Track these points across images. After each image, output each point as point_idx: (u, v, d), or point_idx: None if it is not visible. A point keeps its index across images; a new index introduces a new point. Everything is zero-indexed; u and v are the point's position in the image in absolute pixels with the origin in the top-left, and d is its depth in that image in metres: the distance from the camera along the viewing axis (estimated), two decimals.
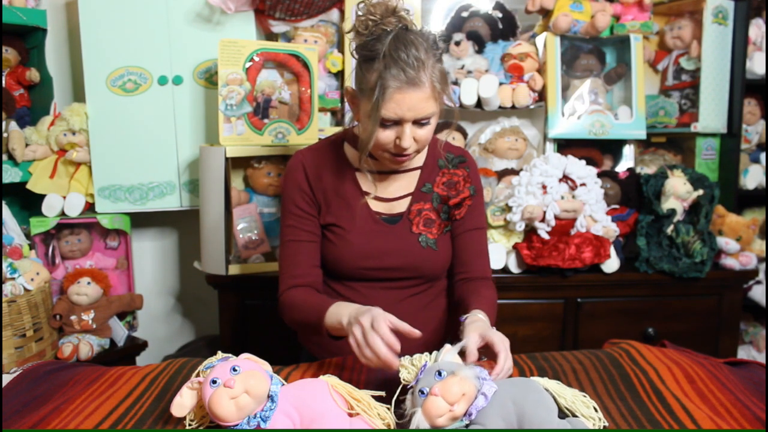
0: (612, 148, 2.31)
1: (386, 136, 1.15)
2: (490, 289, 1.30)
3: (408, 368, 1.00)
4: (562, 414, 0.97)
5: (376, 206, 1.30)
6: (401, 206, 1.31)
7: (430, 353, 1.01)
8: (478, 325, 1.09)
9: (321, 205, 1.29)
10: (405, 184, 1.32)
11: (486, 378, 0.94)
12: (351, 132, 1.32)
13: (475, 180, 1.34)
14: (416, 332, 1.02)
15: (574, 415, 0.97)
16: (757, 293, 2.31)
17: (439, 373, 0.92)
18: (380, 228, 1.29)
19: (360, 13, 1.14)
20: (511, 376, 1.15)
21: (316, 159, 1.30)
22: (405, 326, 1.02)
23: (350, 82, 1.31)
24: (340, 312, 1.10)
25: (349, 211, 1.28)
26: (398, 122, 1.13)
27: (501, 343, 1.03)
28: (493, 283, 1.34)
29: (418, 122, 1.14)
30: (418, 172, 1.32)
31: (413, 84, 1.09)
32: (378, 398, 0.99)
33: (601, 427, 0.97)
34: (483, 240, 1.36)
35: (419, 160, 1.32)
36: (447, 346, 1.00)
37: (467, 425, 0.91)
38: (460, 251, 1.33)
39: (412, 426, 0.90)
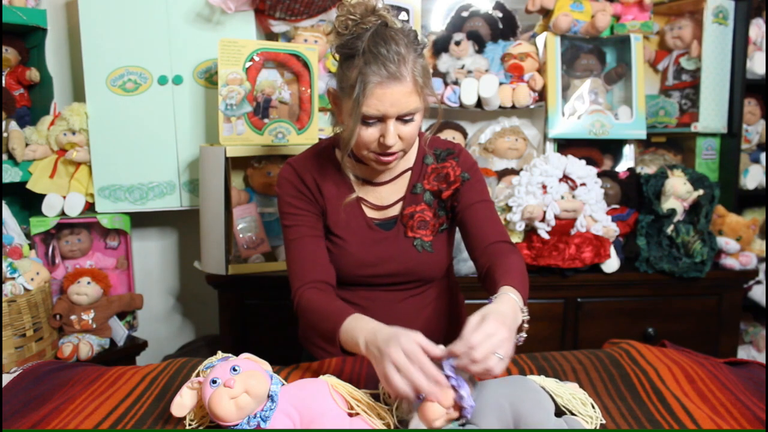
0: (612, 148, 2.31)
1: (370, 134, 1.13)
2: (514, 255, 1.19)
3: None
4: (559, 412, 0.97)
5: (370, 212, 1.29)
6: (394, 210, 1.29)
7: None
8: (483, 312, 0.97)
9: (322, 207, 1.27)
10: (397, 188, 1.30)
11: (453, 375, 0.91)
12: (341, 138, 1.28)
13: (466, 165, 1.29)
14: (438, 350, 0.92)
15: (572, 413, 0.97)
16: (757, 293, 2.31)
17: None
18: (376, 234, 1.27)
19: (339, 13, 1.12)
20: (510, 373, 1.16)
21: (308, 166, 1.28)
22: (429, 345, 0.92)
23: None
24: (356, 329, 1.02)
25: (345, 219, 1.27)
26: (381, 119, 1.11)
27: (474, 329, 0.91)
28: (514, 246, 1.24)
29: (402, 118, 1.12)
30: (409, 174, 1.30)
31: (394, 78, 1.07)
32: (378, 398, 0.99)
33: (599, 425, 0.97)
34: (490, 211, 1.28)
35: (409, 161, 1.30)
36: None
37: (462, 424, 0.91)
38: (469, 226, 1.26)
39: (409, 428, 0.90)
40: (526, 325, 1.04)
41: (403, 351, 0.90)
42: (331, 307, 1.14)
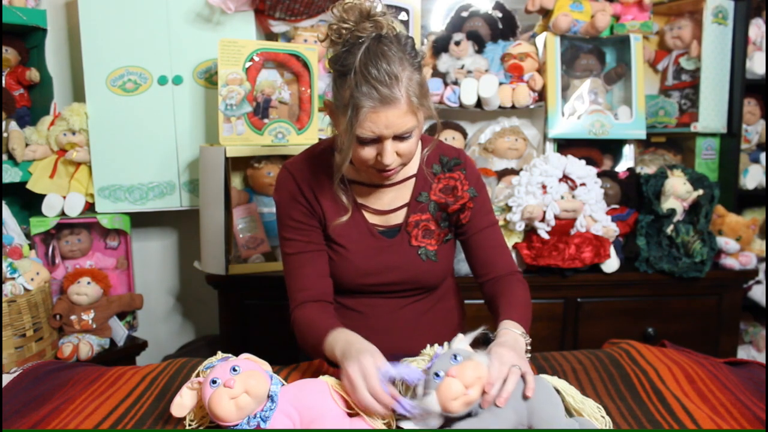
0: (612, 148, 2.31)
1: (367, 152, 1.10)
2: (520, 284, 1.24)
3: (418, 361, 1.00)
4: (568, 413, 0.97)
5: (372, 218, 1.26)
6: (398, 217, 1.26)
7: (441, 345, 1.01)
8: (495, 352, 1.02)
9: (320, 216, 1.24)
10: (400, 194, 1.27)
11: None
12: (336, 147, 1.25)
13: (474, 180, 1.28)
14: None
15: (581, 415, 0.97)
16: (757, 293, 2.31)
17: (455, 357, 0.92)
18: (379, 243, 1.25)
19: (332, 20, 1.08)
20: None
21: (306, 170, 1.25)
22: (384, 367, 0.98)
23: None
24: (336, 341, 1.06)
25: (347, 227, 1.24)
26: (377, 139, 1.08)
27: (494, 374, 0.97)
28: (522, 275, 1.29)
29: (399, 137, 1.08)
30: (413, 180, 1.27)
31: (386, 102, 1.03)
32: None
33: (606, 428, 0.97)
34: (497, 235, 1.30)
35: (413, 167, 1.27)
36: (460, 335, 1.00)
37: (469, 414, 0.92)
38: (477, 252, 1.28)
39: (423, 405, 0.90)
40: (528, 347, 1.10)
41: (360, 370, 0.96)
42: (319, 322, 1.15)
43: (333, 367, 1.14)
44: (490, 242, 1.28)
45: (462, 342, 0.99)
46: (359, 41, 1.05)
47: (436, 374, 0.90)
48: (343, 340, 1.05)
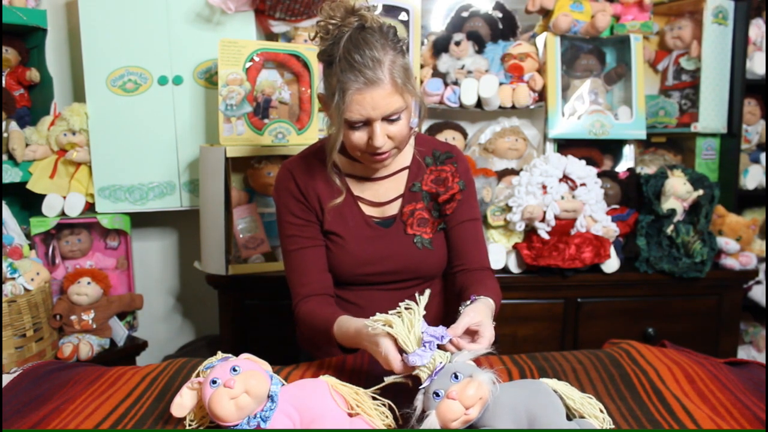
0: (612, 148, 2.31)
1: (358, 137, 1.14)
2: (493, 280, 1.28)
3: (420, 370, 0.98)
4: (569, 415, 0.97)
5: (369, 210, 1.29)
6: (393, 208, 1.30)
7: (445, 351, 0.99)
8: (482, 311, 1.06)
9: (317, 212, 1.28)
10: (395, 185, 1.30)
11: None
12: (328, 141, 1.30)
13: (464, 174, 1.32)
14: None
15: (581, 416, 0.97)
16: (757, 293, 2.31)
17: (456, 376, 0.90)
18: (375, 233, 1.28)
19: (320, 18, 1.13)
20: (511, 375, 1.16)
21: (304, 168, 1.29)
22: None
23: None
24: (350, 321, 1.09)
25: (343, 218, 1.27)
26: (366, 122, 1.12)
27: (486, 337, 1.03)
28: (493, 273, 1.32)
29: (388, 119, 1.12)
30: (407, 172, 1.31)
31: (371, 83, 1.08)
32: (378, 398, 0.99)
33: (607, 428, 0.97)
34: (477, 230, 1.33)
35: (406, 159, 1.31)
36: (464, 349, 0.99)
37: (471, 426, 0.91)
38: (455, 243, 1.31)
39: (424, 427, 0.89)
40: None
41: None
42: (324, 312, 1.19)
43: (347, 352, 1.17)
44: (468, 236, 1.31)
45: (464, 354, 0.96)
46: (344, 32, 1.10)
47: (436, 393, 0.89)
48: (358, 321, 1.07)
